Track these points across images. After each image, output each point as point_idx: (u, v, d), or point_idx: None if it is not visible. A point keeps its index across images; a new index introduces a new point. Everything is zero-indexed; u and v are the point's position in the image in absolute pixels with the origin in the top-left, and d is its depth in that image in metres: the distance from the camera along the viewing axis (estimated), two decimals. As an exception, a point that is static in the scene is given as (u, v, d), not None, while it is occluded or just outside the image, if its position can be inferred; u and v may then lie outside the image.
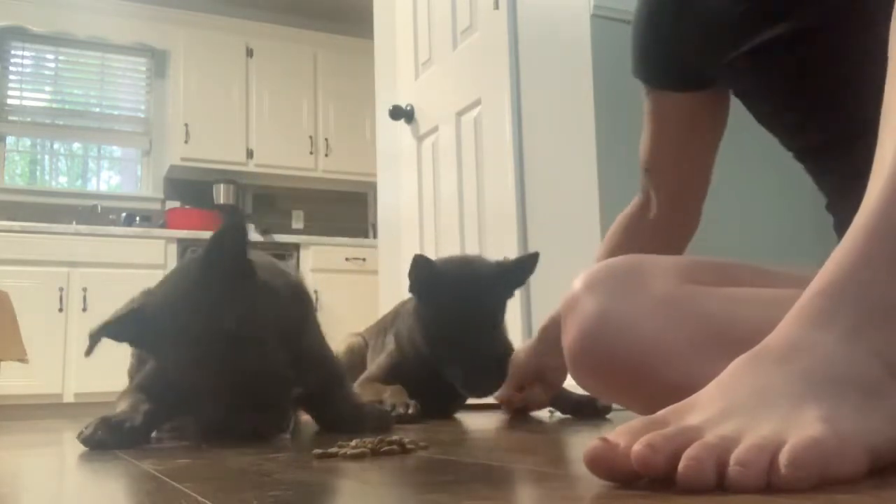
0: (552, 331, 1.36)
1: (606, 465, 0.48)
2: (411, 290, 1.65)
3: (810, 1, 0.90)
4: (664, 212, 1.16)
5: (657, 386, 0.76)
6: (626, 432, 0.49)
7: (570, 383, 1.69)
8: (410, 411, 1.48)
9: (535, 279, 2.26)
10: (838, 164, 0.93)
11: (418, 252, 2.85)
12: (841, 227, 0.96)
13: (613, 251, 1.18)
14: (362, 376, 1.77)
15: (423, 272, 1.60)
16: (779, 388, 0.50)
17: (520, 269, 1.70)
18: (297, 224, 5.29)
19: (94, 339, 1.12)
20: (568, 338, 0.83)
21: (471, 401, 1.88)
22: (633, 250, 1.12)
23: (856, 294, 0.52)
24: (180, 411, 1.30)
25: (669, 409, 0.53)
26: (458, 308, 1.59)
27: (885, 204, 0.53)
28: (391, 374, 1.71)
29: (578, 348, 0.82)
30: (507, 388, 1.57)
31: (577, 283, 0.84)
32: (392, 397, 1.57)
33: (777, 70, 0.95)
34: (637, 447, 0.46)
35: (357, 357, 1.92)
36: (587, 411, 1.60)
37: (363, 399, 1.58)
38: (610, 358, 0.79)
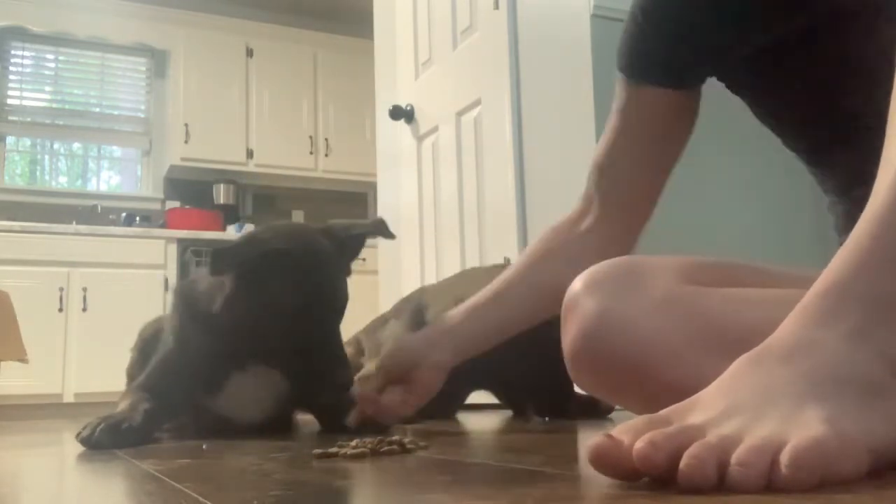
0: (457, 323, 1.19)
1: (610, 461, 0.48)
2: None
3: (803, 7, 0.89)
4: (605, 217, 1.12)
5: (657, 386, 0.76)
6: (628, 430, 0.49)
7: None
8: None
9: (535, 279, 2.26)
10: (842, 164, 0.93)
11: (418, 252, 2.86)
12: (842, 226, 0.96)
13: (530, 259, 1.16)
14: (359, 373, 1.76)
15: None
16: (781, 388, 0.49)
17: None
18: (297, 224, 5.29)
19: (223, 259, 1.17)
20: (568, 338, 0.83)
21: (470, 401, 1.88)
22: (557, 259, 1.11)
23: (860, 294, 0.52)
24: (182, 410, 1.30)
25: (672, 408, 0.53)
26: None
27: (891, 205, 0.53)
28: None
29: (578, 348, 0.82)
30: (369, 384, 1.26)
31: (577, 283, 0.84)
32: None
33: (781, 71, 0.95)
34: (639, 444, 0.46)
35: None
36: (589, 412, 1.60)
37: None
38: (610, 358, 0.79)
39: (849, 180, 0.91)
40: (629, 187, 1.11)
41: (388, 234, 1.33)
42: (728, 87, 1.06)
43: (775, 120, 1.02)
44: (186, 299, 1.31)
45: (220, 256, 1.16)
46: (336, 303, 1.24)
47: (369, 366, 1.76)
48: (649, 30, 1.05)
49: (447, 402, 1.76)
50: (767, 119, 1.03)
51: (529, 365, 1.61)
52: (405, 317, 1.78)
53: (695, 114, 1.09)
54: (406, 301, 1.86)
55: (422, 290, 1.88)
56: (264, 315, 1.19)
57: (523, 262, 1.19)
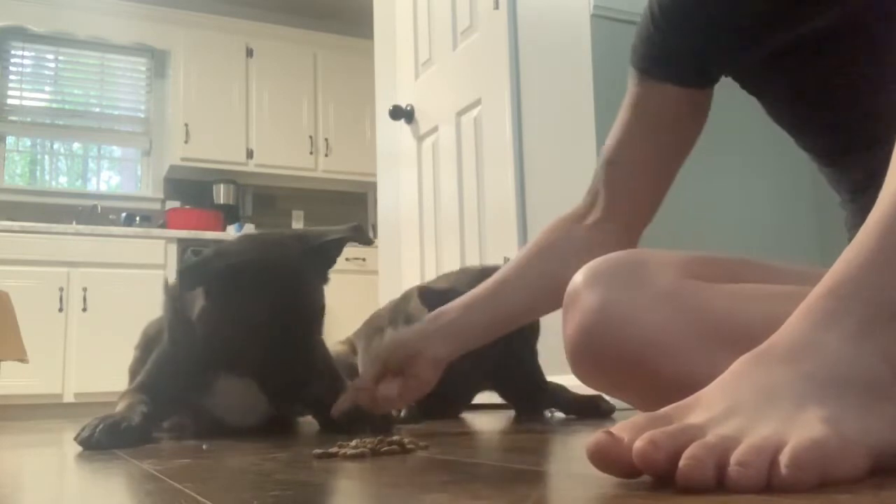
0: (454, 318, 1.16)
1: (609, 458, 0.48)
2: None
3: (831, 4, 0.89)
4: (610, 213, 1.10)
5: (657, 380, 0.76)
6: (629, 428, 0.49)
7: (572, 384, 1.69)
8: (402, 414, 1.47)
9: (535, 279, 2.26)
10: (860, 164, 0.92)
11: (418, 252, 2.86)
12: (854, 223, 0.95)
13: (530, 253, 1.14)
14: (356, 381, 1.75)
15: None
16: (782, 388, 0.49)
17: None
18: (297, 224, 5.29)
19: (191, 275, 1.18)
20: (568, 331, 0.83)
21: (476, 401, 1.88)
22: (557, 254, 1.09)
23: (864, 295, 0.52)
24: (179, 408, 1.31)
25: (672, 406, 0.52)
26: None
27: None
28: None
29: (579, 342, 0.81)
30: (365, 373, 1.23)
31: (578, 277, 0.83)
32: None
33: (796, 74, 0.94)
34: (639, 443, 0.46)
35: (342, 366, 1.86)
36: (589, 411, 1.60)
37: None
38: (611, 352, 0.79)
39: (865, 179, 0.91)
40: (636, 184, 1.10)
41: (366, 240, 1.31)
42: (745, 87, 1.05)
43: (794, 121, 1.01)
44: (174, 301, 1.32)
45: (189, 273, 1.16)
46: (307, 313, 1.22)
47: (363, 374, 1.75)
48: (668, 28, 1.04)
49: (454, 401, 1.76)
50: (784, 120, 1.02)
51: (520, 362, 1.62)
52: (400, 327, 1.78)
53: (706, 113, 1.08)
54: (387, 312, 1.86)
55: (402, 300, 1.87)
56: (236, 327, 1.18)
57: (523, 256, 1.17)
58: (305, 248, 1.24)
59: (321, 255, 1.26)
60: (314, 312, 1.23)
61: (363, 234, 1.29)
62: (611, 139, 1.11)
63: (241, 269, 1.17)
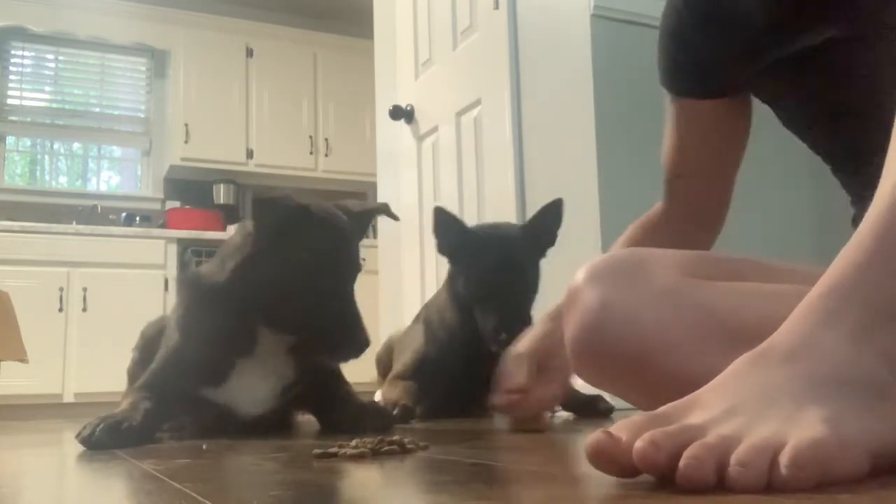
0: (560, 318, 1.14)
1: (608, 458, 0.48)
2: (440, 249, 1.63)
3: (838, 12, 0.89)
4: (689, 217, 1.15)
5: (658, 377, 0.76)
6: (628, 427, 0.49)
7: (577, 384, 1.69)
8: (395, 412, 1.46)
9: (535, 279, 2.26)
10: (865, 168, 0.93)
11: (418, 252, 2.86)
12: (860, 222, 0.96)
13: (632, 244, 1.16)
14: (390, 374, 1.76)
15: (447, 227, 1.60)
16: (782, 388, 0.49)
17: (545, 224, 1.64)
18: (297, 224, 5.29)
19: None
20: (570, 329, 0.83)
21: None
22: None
23: (863, 295, 0.52)
24: (184, 406, 1.30)
25: (672, 405, 0.53)
26: (489, 265, 1.56)
27: (893, 207, 0.53)
28: (417, 371, 1.70)
29: (580, 339, 0.82)
30: (518, 374, 1.17)
31: (579, 275, 0.84)
32: (399, 395, 1.58)
33: (803, 80, 0.95)
34: (639, 444, 0.46)
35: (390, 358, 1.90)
36: (588, 411, 1.60)
37: (385, 398, 1.59)
38: (611, 349, 0.79)
39: (873, 182, 0.91)
40: (702, 190, 1.14)
41: (393, 216, 1.47)
42: (758, 96, 1.06)
43: (799, 127, 1.02)
44: (192, 284, 1.32)
45: (263, 205, 1.23)
46: (355, 264, 1.31)
47: (396, 367, 1.76)
48: (678, 46, 1.06)
49: (473, 401, 1.76)
50: (791, 126, 1.03)
51: None
52: (420, 320, 1.78)
53: (745, 114, 1.10)
54: (424, 306, 1.87)
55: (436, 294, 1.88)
56: (289, 270, 1.23)
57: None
58: (347, 215, 1.33)
59: (357, 223, 1.36)
60: (358, 268, 1.32)
61: (391, 211, 1.47)
62: (665, 155, 1.15)
63: (305, 211, 1.25)
